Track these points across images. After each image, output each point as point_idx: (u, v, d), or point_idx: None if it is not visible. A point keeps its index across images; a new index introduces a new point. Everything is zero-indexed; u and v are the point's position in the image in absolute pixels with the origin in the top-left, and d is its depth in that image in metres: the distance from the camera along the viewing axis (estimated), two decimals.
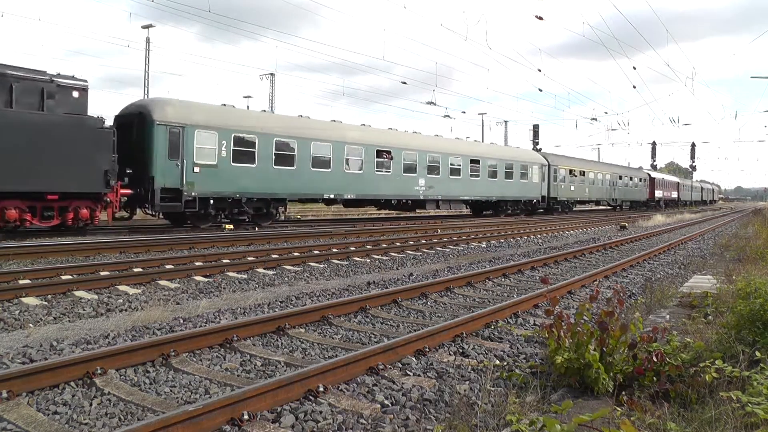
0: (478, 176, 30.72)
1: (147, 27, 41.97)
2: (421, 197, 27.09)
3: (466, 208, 33.87)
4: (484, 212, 34.67)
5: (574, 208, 45.41)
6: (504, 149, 36.30)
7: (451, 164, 29.00)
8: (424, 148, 27.62)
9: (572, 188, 40.78)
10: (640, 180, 56.94)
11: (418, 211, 30.54)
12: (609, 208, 52.33)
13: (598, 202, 48.63)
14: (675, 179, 75.99)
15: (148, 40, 42.04)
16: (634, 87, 69.70)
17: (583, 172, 43.01)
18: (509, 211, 34.23)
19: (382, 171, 25.19)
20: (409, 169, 26.57)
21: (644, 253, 14.24)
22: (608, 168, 50.58)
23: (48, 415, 3.92)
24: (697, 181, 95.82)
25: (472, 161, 30.43)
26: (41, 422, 3.75)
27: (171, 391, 4.47)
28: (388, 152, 25.38)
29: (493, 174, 32.15)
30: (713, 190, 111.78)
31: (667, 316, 6.64)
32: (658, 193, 62.58)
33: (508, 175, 33.32)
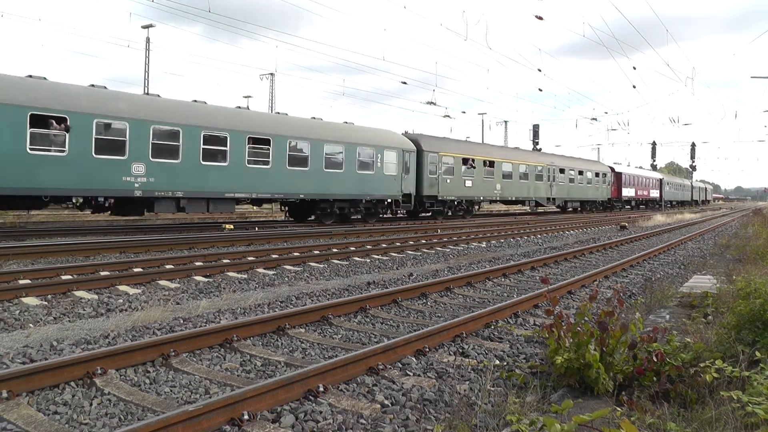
0: (267, 163, 19.95)
1: (147, 27, 41.94)
2: (138, 193, 16.50)
3: (283, 209, 24.03)
4: (308, 218, 23.37)
5: (479, 211, 34.89)
6: (323, 125, 23.30)
7: (207, 143, 18.23)
8: (144, 117, 16.75)
9: (468, 183, 29.71)
10: (598, 175, 45.21)
11: (148, 214, 19.65)
12: (555, 210, 42.65)
13: (523, 202, 37.48)
14: (656, 175, 64.17)
15: (148, 40, 42.03)
16: (634, 87, 69.77)
17: (491, 162, 31.71)
18: (349, 215, 23.37)
19: (48, 150, 14.94)
20: (111, 147, 16.01)
21: (644, 253, 14.24)
22: (538, 158, 38.72)
23: (48, 415, 3.92)
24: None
25: (255, 141, 19.76)
26: (41, 422, 3.75)
27: (171, 391, 4.47)
28: (62, 120, 15.26)
29: (301, 161, 21.13)
30: (706, 189, 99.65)
31: (667, 316, 6.64)
32: (628, 192, 51.61)
33: (333, 163, 22.24)
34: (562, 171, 39.59)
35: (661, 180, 63.50)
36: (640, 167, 67.40)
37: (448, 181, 28.44)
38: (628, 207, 52.98)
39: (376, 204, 24.56)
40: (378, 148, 24.37)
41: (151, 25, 41.75)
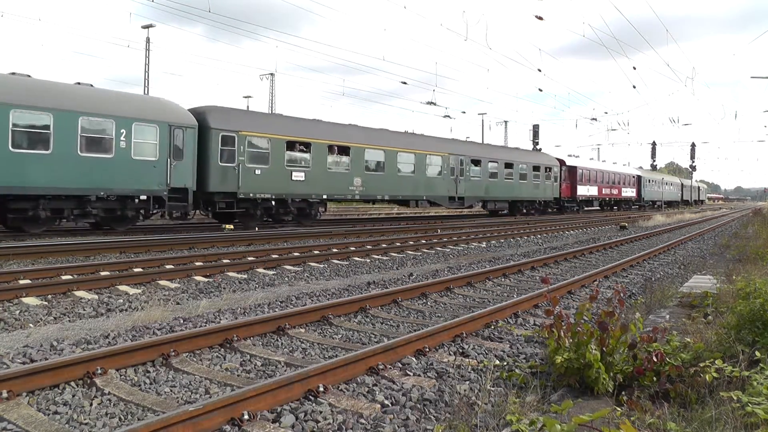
0: None
1: (147, 27, 41.92)
2: None
3: None
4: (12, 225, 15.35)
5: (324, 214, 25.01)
6: (7, 80, 15.10)
7: None
8: None
9: (297, 176, 21.12)
10: (538, 169, 35.96)
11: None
12: (482, 213, 35.65)
13: (408, 202, 27.29)
14: (632, 171, 54.72)
15: (148, 40, 42.02)
16: (634, 87, 69.66)
17: (344, 148, 23.01)
18: (72, 219, 16.45)
19: None
20: None
21: (644, 253, 14.24)
22: (437, 145, 28.64)
23: (48, 415, 3.92)
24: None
25: None
26: (41, 422, 3.75)
27: (171, 391, 4.48)
28: None
29: None
30: (699, 188, 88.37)
31: (667, 316, 6.63)
32: (587, 190, 42.54)
33: (32, 139, 14.72)
34: (476, 162, 30.38)
35: (639, 177, 54.35)
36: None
37: (258, 171, 19.97)
38: (593, 208, 45.59)
39: (122, 203, 16.73)
40: (121, 119, 16.37)
41: (151, 25, 41.74)
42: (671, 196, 66.45)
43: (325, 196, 22.65)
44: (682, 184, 72.69)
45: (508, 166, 33.33)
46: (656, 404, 3.73)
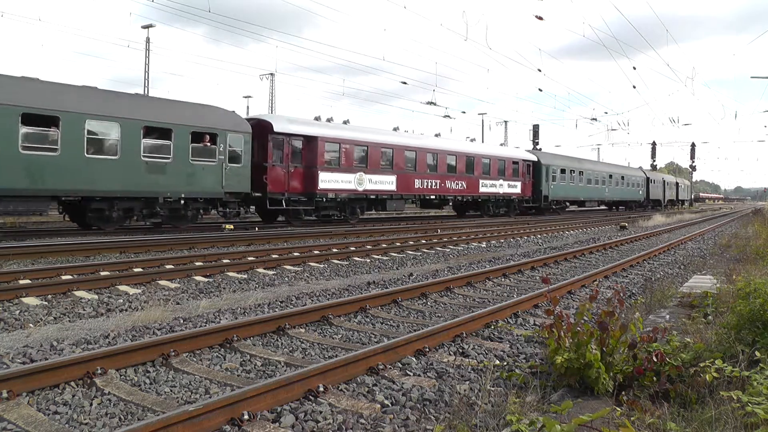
0: None
1: (147, 27, 41.89)
2: None
3: None
4: None
5: None
6: None
7: None
8: None
9: None
10: (163, 134, 17.25)
11: None
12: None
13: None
14: (512, 154, 34.11)
15: (148, 40, 42.00)
16: (634, 87, 69.62)
17: None
18: None
19: None
20: None
21: (644, 253, 14.24)
22: None
23: (48, 415, 3.92)
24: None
25: None
26: (41, 422, 3.75)
27: (171, 391, 4.48)
28: None
29: None
30: (678, 185, 66.47)
31: (667, 316, 6.63)
32: (356, 181, 23.35)
33: None
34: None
35: (531, 163, 34.40)
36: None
37: None
38: (431, 213, 31.06)
39: None
40: None
41: (150, 25, 41.73)
42: (624, 194, 47.54)
43: None
44: (647, 179, 53.31)
45: (40, 121, 14.82)
46: (656, 404, 3.73)
